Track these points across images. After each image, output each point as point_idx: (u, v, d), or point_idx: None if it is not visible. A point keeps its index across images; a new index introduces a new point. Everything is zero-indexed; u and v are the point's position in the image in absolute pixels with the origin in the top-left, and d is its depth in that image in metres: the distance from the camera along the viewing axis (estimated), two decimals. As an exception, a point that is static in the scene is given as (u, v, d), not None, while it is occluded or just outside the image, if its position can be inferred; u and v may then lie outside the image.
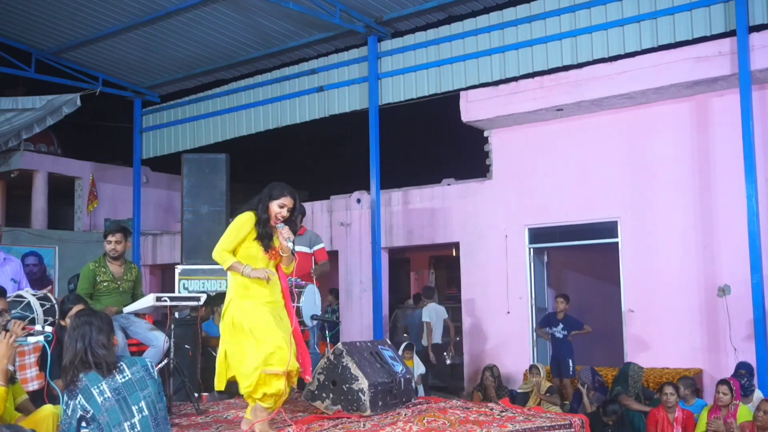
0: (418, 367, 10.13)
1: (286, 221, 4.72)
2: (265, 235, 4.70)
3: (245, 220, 4.70)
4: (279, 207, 4.69)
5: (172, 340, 5.94)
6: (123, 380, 3.41)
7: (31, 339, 4.26)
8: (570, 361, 9.51)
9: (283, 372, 4.51)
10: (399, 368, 5.66)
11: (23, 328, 4.64)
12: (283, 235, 4.66)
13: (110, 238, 6.37)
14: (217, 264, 9.46)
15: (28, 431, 3.40)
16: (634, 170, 10.31)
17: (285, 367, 4.49)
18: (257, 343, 4.52)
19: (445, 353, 11.13)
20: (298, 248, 7.31)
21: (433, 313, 11.14)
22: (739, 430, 6.92)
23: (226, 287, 4.92)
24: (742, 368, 8.30)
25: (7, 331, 4.10)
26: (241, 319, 4.59)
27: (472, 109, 11.16)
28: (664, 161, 10.10)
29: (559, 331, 9.67)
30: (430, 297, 11.62)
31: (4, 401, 3.83)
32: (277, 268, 4.81)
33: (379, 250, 11.62)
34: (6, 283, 6.17)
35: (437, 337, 11.00)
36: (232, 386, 6.87)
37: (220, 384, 4.75)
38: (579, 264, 12.41)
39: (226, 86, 13.65)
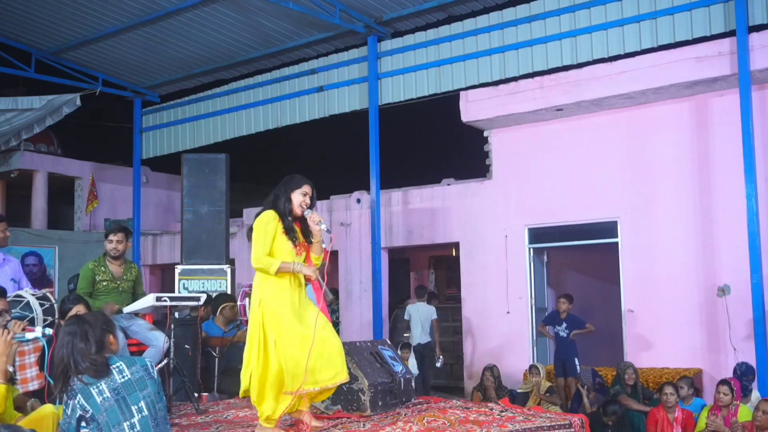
0: (411, 369, 10.11)
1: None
2: (290, 228, 4.61)
3: (269, 219, 4.59)
4: (302, 195, 4.63)
5: (172, 340, 5.94)
6: (122, 380, 3.40)
7: (29, 335, 4.26)
8: (576, 360, 9.50)
9: (303, 392, 4.47)
10: (399, 368, 5.66)
11: (23, 329, 4.64)
12: (314, 220, 4.58)
13: (111, 237, 6.37)
14: (216, 264, 9.48)
15: (28, 431, 3.40)
16: (634, 170, 10.31)
17: (298, 388, 4.44)
18: (278, 360, 4.45)
19: (439, 356, 11.06)
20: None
21: (415, 312, 11.11)
22: (740, 430, 6.92)
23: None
24: (743, 368, 8.28)
25: (6, 329, 4.10)
26: (269, 326, 4.49)
27: (472, 109, 11.16)
28: (664, 161, 10.10)
29: (563, 330, 9.66)
30: (420, 296, 11.60)
31: (4, 399, 3.83)
32: (306, 261, 4.72)
33: (379, 250, 11.62)
34: (6, 284, 6.18)
35: (417, 337, 10.94)
36: (232, 386, 6.90)
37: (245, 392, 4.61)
38: (579, 264, 12.41)
39: (226, 86, 13.65)
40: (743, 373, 8.13)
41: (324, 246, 4.73)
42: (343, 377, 4.66)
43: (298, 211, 4.64)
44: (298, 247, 4.65)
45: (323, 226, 4.58)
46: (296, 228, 4.67)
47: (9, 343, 3.94)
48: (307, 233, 4.71)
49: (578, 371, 9.31)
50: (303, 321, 4.56)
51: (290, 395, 4.49)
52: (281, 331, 4.48)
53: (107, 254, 6.39)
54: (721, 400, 7.20)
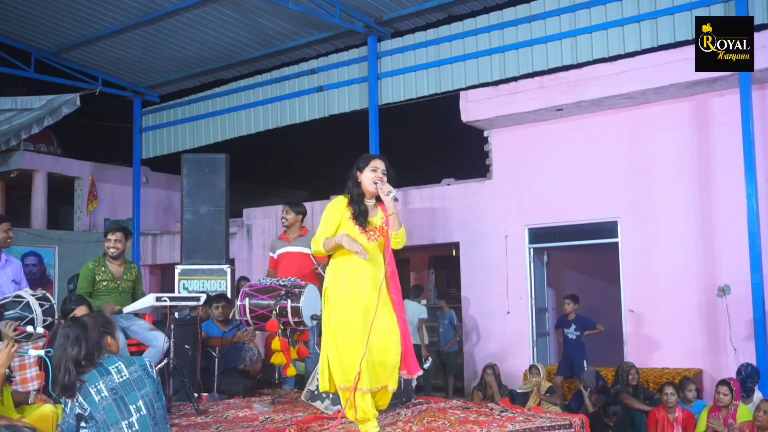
0: None
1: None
2: (360, 212, 4.54)
3: (333, 204, 4.56)
4: (372, 171, 4.55)
5: (172, 340, 5.94)
6: (120, 380, 3.40)
7: (33, 353, 4.25)
8: (585, 362, 9.45)
9: (368, 390, 4.41)
10: (399, 368, 5.64)
11: (15, 329, 4.65)
12: (384, 191, 4.47)
13: (110, 237, 6.40)
14: (216, 264, 9.47)
15: (27, 430, 3.41)
16: (634, 170, 10.30)
17: (367, 386, 4.39)
18: (339, 355, 4.41)
19: (427, 357, 10.99)
20: (298, 249, 7.34)
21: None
22: (739, 431, 6.91)
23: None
24: (748, 370, 8.22)
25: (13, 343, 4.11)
26: (333, 312, 4.45)
27: (472, 109, 11.15)
28: (664, 161, 10.09)
29: (571, 333, 9.64)
30: (415, 296, 11.55)
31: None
32: (384, 251, 4.61)
33: (379, 250, 11.59)
34: (7, 285, 6.19)
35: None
36: (231, 386, 6.89)
37: (324, 385, 4.57)
38: (579, 264, 12.41)
39: (226, 86, 13.65)
40: (748, 375, 8.04)
41: (395, 199, 4.54)
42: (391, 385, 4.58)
43: (372, 188, 4.54)
44: (370, 232, 4.55)
45: (391, 195, 4.46)
46: (374, 211, 4.58)
47: (11, 356, 3.98)
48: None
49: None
50: (368, 317, 4.42)
51: (345, 391, 4.42)
52: (341, 323, 4.42)
53: (107, 254, 6.40)
54: (720, 401, 7.19)
